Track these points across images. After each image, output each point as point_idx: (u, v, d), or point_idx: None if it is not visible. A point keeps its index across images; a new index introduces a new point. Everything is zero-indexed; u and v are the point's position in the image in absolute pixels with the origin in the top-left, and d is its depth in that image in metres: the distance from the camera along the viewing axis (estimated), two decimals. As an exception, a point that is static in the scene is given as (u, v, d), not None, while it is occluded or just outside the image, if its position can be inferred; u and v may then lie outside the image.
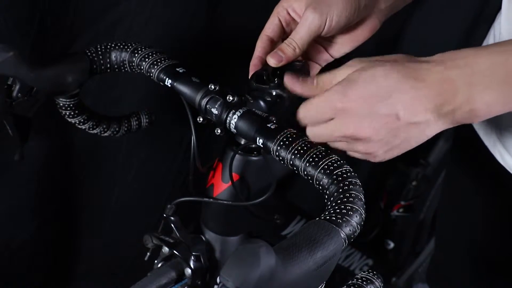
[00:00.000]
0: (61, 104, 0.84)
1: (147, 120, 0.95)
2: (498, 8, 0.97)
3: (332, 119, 0.63)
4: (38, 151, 1.19)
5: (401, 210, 1.56)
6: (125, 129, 0.92)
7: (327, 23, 0.72)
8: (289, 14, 0.79)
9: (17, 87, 0.75)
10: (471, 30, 1.56)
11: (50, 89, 0.78)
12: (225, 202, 0.79)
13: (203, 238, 0.82)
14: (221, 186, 0.80)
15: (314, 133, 0.66)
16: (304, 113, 0.67)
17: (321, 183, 0.63)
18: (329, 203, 0.61)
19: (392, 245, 1.59)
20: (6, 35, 1.05)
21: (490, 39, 0.98)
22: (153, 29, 1.22)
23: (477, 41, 1.10)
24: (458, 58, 0.56)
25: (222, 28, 1.33)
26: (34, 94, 0.76)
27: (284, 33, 0.80)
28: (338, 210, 0.57)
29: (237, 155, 0.78)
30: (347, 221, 0.56)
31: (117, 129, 0.91)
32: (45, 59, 0.77)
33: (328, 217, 0.57)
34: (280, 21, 0.79)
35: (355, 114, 0.60)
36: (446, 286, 1.18)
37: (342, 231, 0.56)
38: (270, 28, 0.78)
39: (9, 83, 0.75)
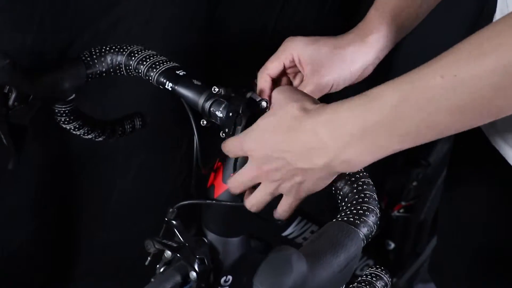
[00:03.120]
0: (57, 111, 0.82)
1: (140, 122, 0.94)
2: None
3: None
4: (38, 151, 1.18)
5: (401, 210, 1.56)
6: (120, 132, 0.91)
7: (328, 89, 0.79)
8: (293, 61, 0.81)
9: (14, 95, 0.73)
10: (471, 31, 1.56)
11: (46, 96, 0.77)
12: (228, 203, 0.78)
13: (206, 240, 0.82)
14: (222, 187, 0.79)
15: (235, 180, 0.72)
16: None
17: (336, 184, 0.64)
18: (343, 203, 0.62)
19: (392, 245, 1.58)
20: (6, 35, 1.04)
21: None
22: (153, 29, 1.22)
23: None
24: (326, 112, 0.61)
25: (222, 28, 1.32)
26: (30, 101, 0.74)
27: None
28: (355, 211, 0.58)
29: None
30: (364, 221, 0.57)
31: (111, 133, 0.90)
32: (41, 65, 0.76)
33: (345, 218, 0.57)
34: (284, 65, 0.81)
35: (258, 155, 0.66)
36: (447, 278, 1.18)
37: (361, 232, 0.56)
38: (273, 70, 0.80)
39: (5, 91, 0.73)
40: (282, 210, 0.70)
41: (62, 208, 1.37)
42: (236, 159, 0.77)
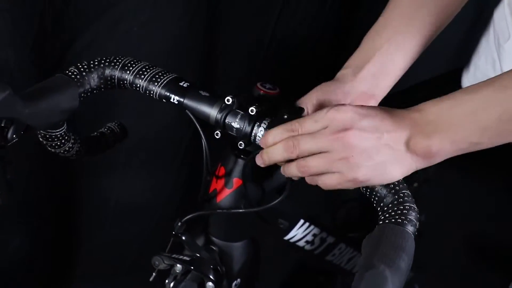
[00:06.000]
0: (47, 136, 0.76)
1: (119, 132, 0.90)
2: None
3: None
4: (37, 150, 1.18)
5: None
6: (103, 148, 0.87)
7: None
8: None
9: (12, 127, 0.66)
10: (471, 31, 1.56)
11: (44, 123, 0.71)
12: (239, 211, 0.78)
13: (214, 248, 0.82)
14: (225, 192, 0.79)
15: (307, 141, 0.67)
16: (300, 121, 0.69)
17: (375, 188, 0.66)
18: (382, 204, 0.64)
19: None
20: (6, 35, 1.04)
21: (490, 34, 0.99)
22: (153, 29, 1.21)
23: (476, 43, 1.10)
24: (420, 106, 0.68)
25: (222, 27, 1.32)
26: (27, 132, 0.68)
27: None
28: (399, 211, 0.61)
29: (242, 160, 0.77)
30: (410, 220, 0.61)
31: (96, 149, 0.86)
32: (34, 92, 0.70)
33: (393, 220, 0.61)
34: None
35: (344, 121, 0.65)
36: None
37: (410, 231, 0.60)
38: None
39: (2, 125, 0.66)
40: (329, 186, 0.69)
41: (62, 208, 1.37)
42: (245, 167, 0.77)
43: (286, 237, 0.90)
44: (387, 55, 0.82)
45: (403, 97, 1.13)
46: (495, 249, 1.08)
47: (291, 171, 0.69)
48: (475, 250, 1.09)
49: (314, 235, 0.93)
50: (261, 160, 0.70)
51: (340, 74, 0.84)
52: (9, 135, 0.66)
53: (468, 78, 1.04)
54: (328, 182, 0.67)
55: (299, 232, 0.91)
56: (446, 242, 1.14)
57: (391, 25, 0.83)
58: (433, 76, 1.14)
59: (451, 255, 1.14)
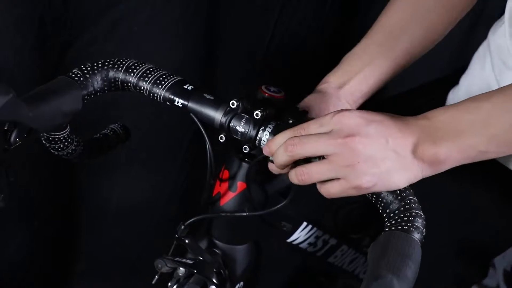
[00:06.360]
0: (51, 139, 0.76)
1: (123, 133, 0.89)
2: (498, 10, 0.97)
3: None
4: (38, 150, 1.18)
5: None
6: (106, 149, 0.87)
7: None
8: None
9: (15, 131, 0.66)
10: (471, 31, 1.56)
11: (47, 126, 0.71)
12: (243, 214, 0.78)
13: (217, 251, 0.82)
14: (228, 195, 0.78)
15: (310, 140, 0.67)
16: (305, 126, 0.69)
17: (381, 194, 0.65)
18: (388, 210, 0.64)
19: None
20: (6, 35, 1.04)
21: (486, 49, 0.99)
22: (153, 29, 1.21)
23: (476, 42, 1.10)
24: (428, 113, 0.67)
25: (222, 27, 1.32)
26: (30, 135, 0.67)
27: None
28: (406, 218, 0.61)
29: (246, 164, 0.77)
30: (416, 227, 0.60)
31: (99, 152, 0.86)
32: (37, 95, 0.68)
33: (399, 227, 0.60)
34: None
35: (350, 127, 0.65)
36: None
37: (417, 238, 0.60)
38: None
39: (5, 128, 0.65)
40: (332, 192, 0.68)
41: (62, 208, 1.37)
42: (250, 170, 0.77)
43: (289, 240, 0.90)
44: (363, 78, 0.86)
45: (399, 102, 1.13)
46: (483, 250, 1.08)
47: (291, 178, 0.68)
48: (465, 253, 1.09)
49: (317, 237, 0.93)
50: (272, 166, 0.71)
51: (321, 88, 0.86)
52: (12, 139, 0.66)
53: (458, 97, 1.04)
54: (331, 190, 0.66)
55: (302, 235, 0.91)
56: (435, 243, 1.14)
57: (369, 51, 0.87)
58: (430, 80, 1.14)
59: (440, 257, 1.14)
